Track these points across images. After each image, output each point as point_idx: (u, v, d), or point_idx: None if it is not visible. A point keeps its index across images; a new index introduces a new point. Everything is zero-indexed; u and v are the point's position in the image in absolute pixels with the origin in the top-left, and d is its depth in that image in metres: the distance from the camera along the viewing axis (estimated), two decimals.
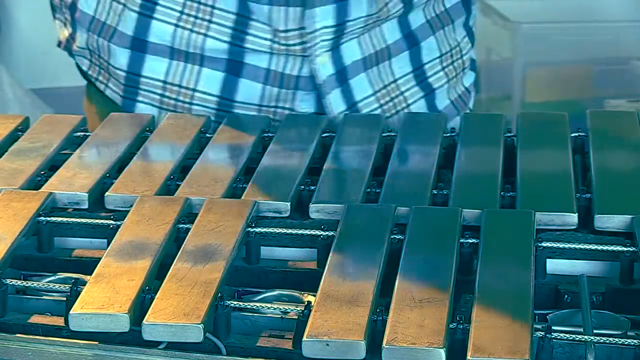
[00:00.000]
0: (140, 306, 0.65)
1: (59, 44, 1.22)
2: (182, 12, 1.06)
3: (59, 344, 0.66)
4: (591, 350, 0.60)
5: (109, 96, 1.15)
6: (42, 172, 0.86)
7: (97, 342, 0.65)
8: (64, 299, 0.68)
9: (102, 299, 0.65)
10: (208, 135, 0.94)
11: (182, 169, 0.88)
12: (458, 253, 0.72)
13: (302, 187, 0.84)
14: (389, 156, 0.91)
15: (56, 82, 2.99)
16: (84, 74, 1.20)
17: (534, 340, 0.59)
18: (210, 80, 1.10)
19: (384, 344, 0.59)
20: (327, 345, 0.60)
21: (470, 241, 0.73)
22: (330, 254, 0.70)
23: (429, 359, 0.59)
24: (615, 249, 0.73)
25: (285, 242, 0.78)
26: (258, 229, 0.76)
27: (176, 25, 1.07)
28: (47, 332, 0.68)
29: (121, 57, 1.12)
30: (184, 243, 0.73)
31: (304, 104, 1.10)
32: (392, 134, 0.94)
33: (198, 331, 0.61)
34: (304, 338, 0.60)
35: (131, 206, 0.79)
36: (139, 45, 1.11)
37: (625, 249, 0.73)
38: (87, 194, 0.82)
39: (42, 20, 2.98)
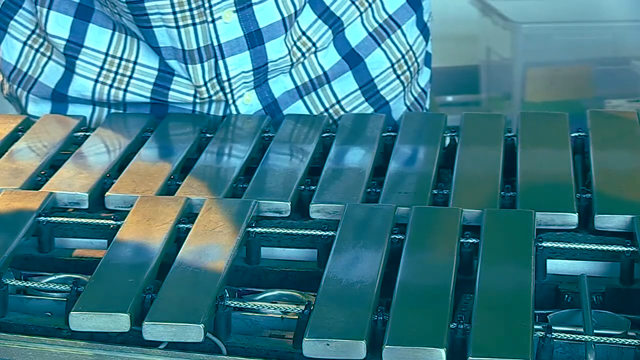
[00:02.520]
0: (141, 306, 0.65)
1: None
2: (102, 68, 1.07)
3: (59, 344, 0.66)
4: (591, 350, 0.60)
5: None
6: (42, 172, 0.86)
7: (97, 342, 0.65)
8: (65, 299, 0.68)
9: (103, 299, 0.65)
10: (208, 135, 0.94)
11: (183, 169, 0.88)
12: (458, 253, 0.72)
13: (302, 187, 0.84)
14: (389, 156, 0.91)
15: None
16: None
17: (534, 340, 0.60)
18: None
19: (384, 344, 0.59)
20: (328, 345, 0.60)
21: (470, 241, 0.73)
22: (331, 254, 0.71)
23: (429, 359, 0.59)
24: (615, 249, 0.73)
25: (286, 243, 0.79)
26: (258, 229, 0.76)
27: (96, 81, 1.08)
28: (47, 332, 0.68)
29: (41, 108, 1.13)
30: (184, 243, 0.73)
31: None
32: (393, 133, 0.94)
33: (198, 331, 0.61)
34: (305, 338, 0.60)
35: (131, 206, 0.79)
36: (59, 98, 1.11)
37: (625, 248, 0.73)
38: (87, 194, 0.82)
39: None
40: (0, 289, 0.69)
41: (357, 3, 1.08)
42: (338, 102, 1.11)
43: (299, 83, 1.09)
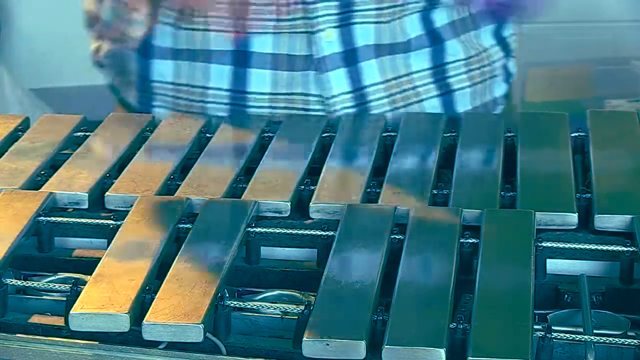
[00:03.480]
0: (141, 306, 0.65)
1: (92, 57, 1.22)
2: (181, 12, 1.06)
3: (59, 344, 0.66)
4: (591, 350, 0.61)
5: (131, 104, 1.16)
6: (42, 172, 0.87)
7: (97, 342, 0.66)
8: (64, 299, 0.69)
9: (102, 298, 0.65)
10: (208, 135, 0.94)
11: (183, 169, 0.88)
12: (458, 253, 0.72)
13: (302, 187, 0.84)
14: (389, 156, 0.91)
15: (56, 82, 2.99)
16: (115, 92, 1.20)
17: (534, 340, 0.60)
18: (219, 76, 1.09)
19: (384, 344, 0.59)
20: (327, 345, 0.60)
21: (470, 241, 0.73)
22: (331, 254, 0.71)
23: (429, 359, 0.59)
24: (615, 248, 0.74)
25: (286, 242, 0.79)
26: (258, 229, 0.76)
27: (177, 27, 1.07)
28: (47, 332, 0.68)
29: (132, 64, 1.14)
30: (184, 243, 0.73)
31: (317, 87, 1.08)
32: (392, 133, 0.95)
33: (198, 331, 0.61)
34: (304, 338, 0.60)
35: (131, 206, 0.79)
36: (145, 50, 1.11)
37: (625, 248, 0.73)
38: (87, 194, 0.83)
39: (42, 21, 2.99)
40: (0, 289, 0.69)
41: None
42: (409, 74, 1.10)
43: (381, 41, 1.08)
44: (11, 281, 0.70)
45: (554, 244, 0.74)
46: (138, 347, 0.64)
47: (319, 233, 0.76)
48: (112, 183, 0.85)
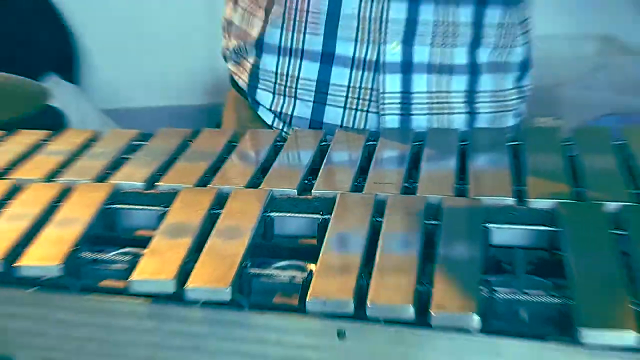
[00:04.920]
0: (184, 273, 0.65)
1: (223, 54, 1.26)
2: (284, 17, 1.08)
3: (121, 302, 0.68)
4: (523, 307, 0.62)
5: (242, 87, 1.17)
6: (107, 171, 0.88)
7: (150, 301, 0.66)
8: (126, 267, 0.70)
9: (154, 268, 0.66)
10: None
11: (216, 169, 0.88)
12: (424, 232, 0.71)
13: (306, 181, 0.83)
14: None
15: (125, 103, 2.87)
16: (232, 80, 1.21)
17: (480, 298, 0.60)
18: (309, 70, 1.09)
19: (368, 302, 0.60)
20: (325, 303, 0.61)
21: (433, 222, 0.73)
22: (327, 233, 0.70)
23: (401, 313, 0.59)
24: (543, 228, 0.72)
25: (293, 211, 0.78)
26: (272, 213, 0.76)
27: (282, 29, 1.08)
28: (113, 293, 0.69)
29: (250, 57, 1.15)
30: (216, 224, 0.73)
31: (377, 84, 1.07)
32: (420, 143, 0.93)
33: (227, 292, 0.62)
34: (307, 298, 0.61)
35: (176, 194, 0.80)
36: (261, 47, 1.12)
37: (549, 228, 0.71)
38: (143, 184, 0.83)
39: (113, 46, 2.86)
40: (76, 260, 0.70)
41: (498, 38, 1.08)
42: (447, 91, 1.09)
43: (432, 62, 1.07)
44: (86, 254, 0.71)
45: (495, 224, 0.73)
46: (181, 304, 0.65)
47: (318, 217, 0.75)
48: (161, 176, 0.84)
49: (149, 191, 0.82)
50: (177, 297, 0.64)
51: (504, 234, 0.72)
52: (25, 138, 0.96)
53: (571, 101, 2.18)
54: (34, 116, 1.51)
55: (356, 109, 1.09)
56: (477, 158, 0.87)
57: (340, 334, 0.61)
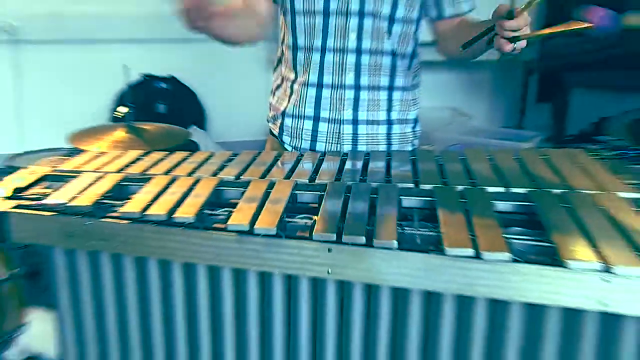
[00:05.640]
0: (254, 220, 0.76)
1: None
2: None
3: (224, 235, 0.76)
4: (418, 237, 0.72)
5: (274, 133, 1.20)
6: (217, 170, 0.93)
7: (235, 235, 0.75)
8: (225, 217, 0.78)
9: (240, 218, 0.76)
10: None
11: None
12: (369, 199, 0.79)
13: (314, 175, 0.90)
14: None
15: (228, 138, 3.15)
16: (270, 130, 1.23)
17: (398, 232, 0.71)
18: (308, 125, 1.16)
19: (343, 237, 0.70)
20: (321, 235, 0.72)
21: (374, 196, 0.79)
22: (322, 203, 0.79)
23: (357, 240, 0.69)
24: (428, 199, 0.80)
25: (306, 196, 0.86)
26: (296, 192, 0.85)
27: (295, 107, 1.15)
28: (218, 230, 0.76)
29: (279, 120, 1.18)
30: (269, 197, 0.81)
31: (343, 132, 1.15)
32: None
33: (273, 230, 0.73)
34: (313, 233, 0.72)
35: (249, 183, 0.86)
36: (284, 115, 1.16)
37: (430, 199, 0.80)
38: (234, 177, 0.88)
39: (222, 107, 3.09)
40: (202, 214, 0.79)
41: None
42: (373, 134, 1.14)
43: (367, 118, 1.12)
44: (207, 211, 0.81)
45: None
46: (253, 236, 0.74)
47: (318, 193, 0.83)
48: (242, 174, 0.90)
49: (237, 180, 0.91)
50: (250, 232, 0.75)
51: (408, 202, 0.85)
52: (178, 156, 1.03)
53: (438, 138, 2.68)
54: (182, 145, 1.68)
55: (331, 143, 1.18)
56: (394, 164, 0.93)
57: (330, 250, 0.70)
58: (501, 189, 0.79)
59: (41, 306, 1.56)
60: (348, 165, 0.95)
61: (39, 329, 1.51)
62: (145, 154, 1.02)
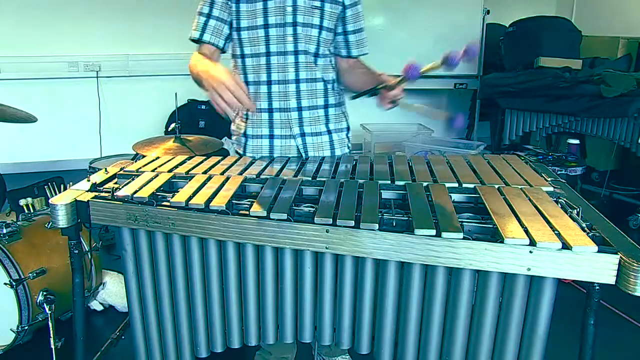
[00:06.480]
0: (270, 208, 0.72)
1: None
2: None
3: (245, 219, 0.73)
4: (396, 222, 0.69)
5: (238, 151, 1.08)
6: (242, 170, 0.89)
7: (237, 217, 0.72)
8: (248, 206, 0.74)
9: (253, 206, 0.72)
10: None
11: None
12: (356, 190, 0.76)
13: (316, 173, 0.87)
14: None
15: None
16: (237, 152, 1.11)
17: (378, 217, 0.69)
18: (265, 143, 1.03)
19: (337, 220, 0.67)
20: (322, 219, 0.70)
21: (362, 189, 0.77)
22: (322, 195, 0.78)
23: (348, 223, 0.67)
24: (400, 192, 0.77)
25: (310, 189, 0.82)
26: (301, 186, 0.82)
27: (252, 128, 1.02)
28: (242, 215, 0.74)
29: (242, 139, 1.05)
30: (281, 192, 0.79)
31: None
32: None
33: (284, 215, 0.71)
34: (315, 218, 0.70)
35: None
36: (245, 135, 1.04)
37: (402, 192, 0.77)
38: (255, 175, 0.84)
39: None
40: (231, 203, 0.76)
41: None
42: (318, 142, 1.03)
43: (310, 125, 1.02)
44: (234, 201, 0.77)
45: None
46: (269, 220, 0.72)
47: (319, 187, 0.81)
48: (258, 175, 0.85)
49: (257, 178, 0.87)
50: (267, 217, 0.72)
51: (386, 194, 0.83)
52: (213, 160, 0.98)
53: (408, 147, 2.56)
54: (216, 152, 1.51)
55: (286, 153, 1.04)
56: (376, 167, 0.88)
57: (327, 231, 0.68)
58: (455, 185, 0.79)
59: (114, 271, 1.60)
60: (342, 167, 0.95)
61: (113, 287, 1.57)
62: (189, 158, 1.01)
